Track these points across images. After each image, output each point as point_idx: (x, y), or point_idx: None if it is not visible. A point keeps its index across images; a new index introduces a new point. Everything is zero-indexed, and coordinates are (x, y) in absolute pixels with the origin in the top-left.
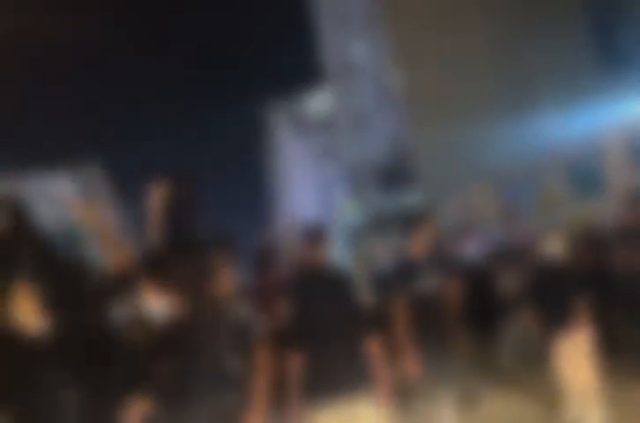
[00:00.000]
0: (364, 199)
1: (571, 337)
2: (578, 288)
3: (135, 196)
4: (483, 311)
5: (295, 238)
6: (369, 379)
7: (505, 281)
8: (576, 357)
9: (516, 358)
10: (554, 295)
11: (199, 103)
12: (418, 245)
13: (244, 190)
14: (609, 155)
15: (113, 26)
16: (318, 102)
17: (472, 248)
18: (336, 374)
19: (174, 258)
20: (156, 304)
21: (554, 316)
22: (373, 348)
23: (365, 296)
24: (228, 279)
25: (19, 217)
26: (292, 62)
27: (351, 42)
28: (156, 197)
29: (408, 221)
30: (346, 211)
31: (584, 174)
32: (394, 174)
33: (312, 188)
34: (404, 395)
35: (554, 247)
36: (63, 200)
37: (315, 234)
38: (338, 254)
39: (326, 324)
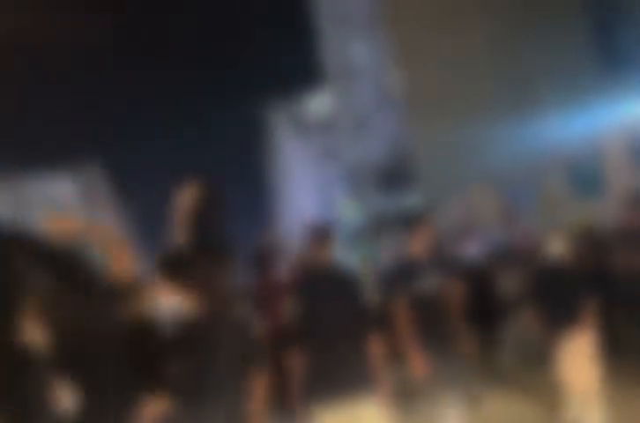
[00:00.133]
0: (364, 200)
1: (574, 338)
2: (579, 289)
3: (135, 196)
4: (483, 311)
5: (300, 237)
6: (373, 379)
7: (505, 282)
8: (578, 358)
9: (516, 358)
10: (555, 296)
11: (199, 103)
12: (418, 245)
13: (244, 190)
14: (609, 156)
15: (113, 26)
16: (318, 103)
17: (472, 249)
18: (340, 374)
19: (199, 259)
20: (169, 304)
21: (557, 317)
22: (375, 348)
23: (370, 296)
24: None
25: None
26: (292, 62)
27: (351, 43)
28: (186, 198)
29: (407, 222)
30: (346, 212)
31: (585, 175)
32: (394, 175)
33: (312, 188)
34: (407, 395)
35: (555, 247)
36: (62, 201)
37: (322, 234)
38: (337, 254)
39: (331, 324)
